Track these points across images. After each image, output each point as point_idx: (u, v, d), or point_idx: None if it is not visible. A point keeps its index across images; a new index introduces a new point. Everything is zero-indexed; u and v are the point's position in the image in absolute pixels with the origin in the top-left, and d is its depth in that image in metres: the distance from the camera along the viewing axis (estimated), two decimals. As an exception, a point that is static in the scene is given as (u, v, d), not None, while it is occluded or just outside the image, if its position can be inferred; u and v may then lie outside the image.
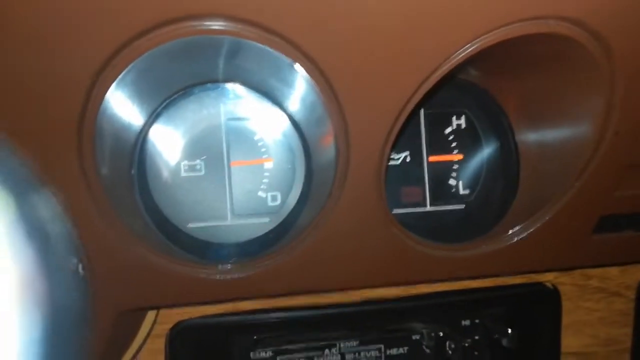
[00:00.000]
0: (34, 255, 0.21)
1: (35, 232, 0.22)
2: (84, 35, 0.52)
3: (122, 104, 0.62)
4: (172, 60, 0.61)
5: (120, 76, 0.55)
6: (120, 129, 0.65)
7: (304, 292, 0.75)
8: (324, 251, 0.68)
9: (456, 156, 0.82)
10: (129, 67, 0.54)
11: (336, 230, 0.67)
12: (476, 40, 0.57)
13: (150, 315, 0.75)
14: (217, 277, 0.67)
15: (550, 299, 0.87)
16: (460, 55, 0.58)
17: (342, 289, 0.77)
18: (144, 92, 0.65)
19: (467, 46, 0.57)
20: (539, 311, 0.88)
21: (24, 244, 0.21)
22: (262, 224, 0.76)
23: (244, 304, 0.77)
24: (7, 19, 0.50)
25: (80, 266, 0.63)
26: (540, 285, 0.86)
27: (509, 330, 0.83)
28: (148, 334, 0.76)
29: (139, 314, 0.74)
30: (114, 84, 0.55)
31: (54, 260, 0.22)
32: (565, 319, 0.88)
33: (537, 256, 0.76)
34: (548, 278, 0.86)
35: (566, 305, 0.88)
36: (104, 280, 0.63)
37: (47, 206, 0.24)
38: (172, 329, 0.76)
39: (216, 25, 0.54)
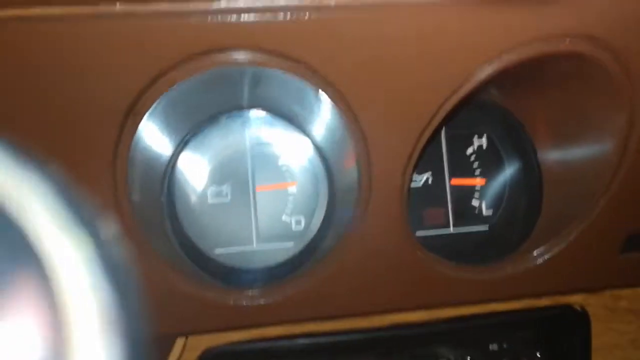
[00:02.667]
0: (110, 291, 0.22)
1: (109, 268, 0.23)
2: (119, 69, 0.54)
3: (153, 134, 0.64)
4: (200, 90, 0.63)
5: (153, 106, 0.57)
6: (152, 157, 0.67)
7: (329, 317, 0.75)
8: (348, 275, 0.68)
9: (479, 180, 0.82)
10: (161, 97, 0.57)
11: (359, 253, 0.68)
12: (494, 61, 0.58)
13: (180, 342, 0.76)
14: (244, 303, 0.68)
15: (580, 321, 0.85)
16: (480, 76, 0.59)
17: (367, 314, 0.77)
18: (173, 121, 0.67)
19: (485, 67, 0.59)
20: (568, 334, 0.86)
21: (102, 279, 0.22)
22: (287, 249, 0.77)
23: (271, 329, 0.77)
24: (48, 49, 0.53)
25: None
26: (568, 307, 0.85)
27: (538, 354, 0.82)
28: (176, 361, 0.76)
29: (167, 340, 0.75)
30: (147, 114, 0.57)
31: (122, 294, 0.23)
32: (595, 342, 0.86)
33: (564, 277, 0.75)
34: (576, 300, 0.84)
35: (596, 327, 0.86)
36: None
37: (112, 238, 0.25)
38: (200, 356, 0.76)
39: (243, 56, 0.57)
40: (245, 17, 0.54)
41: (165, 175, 0.73)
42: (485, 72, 0.59)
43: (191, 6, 0.52)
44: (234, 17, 0.53)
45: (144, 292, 0.63)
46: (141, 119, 0.57)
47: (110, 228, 0.24)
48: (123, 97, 0.56)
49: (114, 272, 0.22)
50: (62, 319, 0.20)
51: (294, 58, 0.57)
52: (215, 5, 0.53)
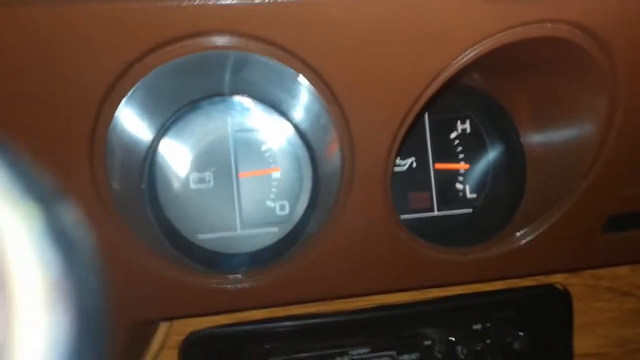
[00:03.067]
0: (60, 265, 0.22)
1: (60, 242, 0.22)
2: (94, 53, 0.53)
3: (131, 120, 0.63)
4: (179, 75, 0.62)
5: (129, 92, 0.56)
6: (130, 143, 0.66)
7: (314, 299, 0.76)
8: (333, 258, 0.69)
9: (462, 165, 0.83)
10: (138, 83, 0.56)
11: (344, 237, 0.68)
12: (477, 46, 0.58)
13: (164, 326, 0.76)
14: (228, 287, 0.68)
15: (561, 300, 0.87)
16: (462, 61, 0.58)
17: (352, 296, 0.78)
18: (152, 107, 0.66)
19: (468, 51, 0.58)
20: (550, 313, 0.88)
21: (50, 253, 0.22)
22: (271, 234, 0.77)
23: (256, 313, 0.77)
24: (23, 34, 0.51)
25: (97, 280, 0.64)
26: (550, 287, 0.86)
27: (521, 334, 0.83)
28: (161, 346, 0.76)
29: (151, 325, 0.75)
30: (123, 100, 0.56)
31: (77, 272, 0.23)
32: (577, 320, 0.88)
33: (546, 258, 0.76)
34: (558, 279, 0.86)
35: (577, 306, 0.87)
36: (116, 293, 0.64)
37: (70, 217, 0.24)
38: (184, 340, 0.77)
39: (222, 40, 0.55)
40: (224, 1, 0.52)
41: (146, 161, 0.72)
42: (468, 56, 0.58)
43: (167, -12, 0.51)
44: (211, 1, 0.52)
45: (127, 278, 0.63)
46: (118, 104, 0.56)
47: (67, 206, 0.23)
48: (99, 82, 0.55)
49: (68, 248, 0.22)
50: (7, 293, 0.20)
51: (274, 42, 0.56)
52: (191, -12, 0.51)
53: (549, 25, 0.58)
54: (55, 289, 0.21)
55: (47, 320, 0.21)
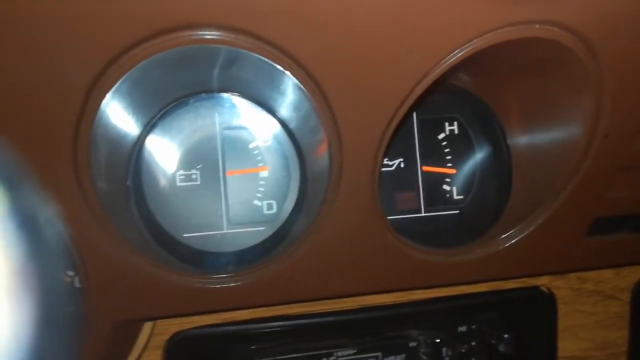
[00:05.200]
0: (25, 253, 0.21)
1: (28, 230, 0.22)
2: (80, 44, 0.52)
3: (117, 114, 0.62)
4: (167, 70, 0.61)
5: (115, 86, 0.55)
6: (116, 139, 0.65)
7: (300, 300, 0.75)
8: (320, 258, 0.68)
9: (449, 170, 0.83)
10: (124, 76, 0.55)
11: (331, 237, 0.68)
12: (464, 46, 0.58)
13: (147, 326, 0.75)
14: (213, 286, 0.67)
15: (546, 303, 0.87)
16: (450, 61, 0.59)
17: (338, 296, 0.77)
18: (139, 102, 0.66)
19: (456, 52, 0.58)
20: (535, 315, 0.88)
21: (16, 238, 0.21)
22: (258, 233, 0.76)
23: (241, 313, 0.77)
24: (5, 26, 0.51)
25: (76, 279, 0.63)
26: (535, 289, 0.87)
27: (505, 336, 0.83)
28: (145, 346, 0.75)
29: (135, 325, 0.74)
30: (109, 94, 0.56)
31: (46, 264, 0.22)
32: (562, 323, 0.88)
33: (532, 260, 0.76)
34: (543, 282, 0.86)
35: (562, 309, 0.88)
36: (99, 291, 0.63)
37: (42, 208, 0.24)
38: (168, 340, 0.76)
39: (209, 34, 0.55)
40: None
41: (132, 158, 0.71)
42: (456, 56, 0.59)
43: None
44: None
45: (110, 276, 0.61)
46: (104, 96, 0.55)
47: (34, 189, 0.23)
48: (86, 72, 0.54)
49: (34, 232, 0.21)
50: None
51: (263, 38, 0.56)
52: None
53: (537, 26, 0.58)
54: (19, 275, 0.20)
55: (8, 308, 0.20)
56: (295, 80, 0.60)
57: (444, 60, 0.59)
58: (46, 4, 0.50)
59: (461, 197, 0.84)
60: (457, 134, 0.83)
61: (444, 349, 0.85)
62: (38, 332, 0.20)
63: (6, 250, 0.20)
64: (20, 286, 0.20)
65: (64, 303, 0.24)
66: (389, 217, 0.80)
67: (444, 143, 0.83)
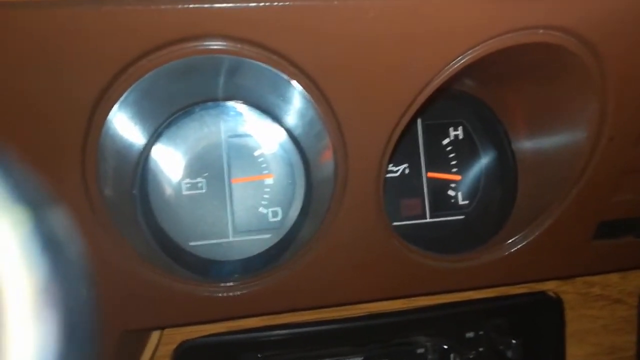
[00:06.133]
0: (48, 270, 0.22)
1: (49, 247, 0.22)
2: (86, 58, 0.53)
3: (124, 125, 0.63)
4: (173, 80, 0.62)
5: (122, 97, 0.56)
6: (123, 149, 0.66)
7: (306, 307, 0.75)
8: (326, 265, 0.68)
9: (454, 176, 0.83)
10: (131, 87, 0.55)
11: (337, 244, 0.68)
12: (469, 52, 0.58)
13: (155, 336, 0.75)
14: (220, 294, 0.67)
15: (553, 308, 0.87)
16: (454, 67, 0.59)
17: (344, 303, 0.77)
18: (145, 112, 0.66)
19: (460, 58, 0.59)
20: (542, 321, 0.88)
21: (39, 258, 0.21)
22: (264, 240, 0.76)
23: (248, 321, 0.76)
24: (14, 38, 0.51)
25: (86, 287, 0.63)
26: (543, 294, 0.86)
27: (513, 341, 0.83)
28: (152, 355, 0.75)
29: (142, 334, 0.74)
30: (116, 105, 0.56)
31: (65, 277, 0.23)
32: (569, 328, 0.88)
33: (538, 264, 0.76)
34: (550, 287, 0.86)
35: (569, 314, 0.87)
36: (107, 301, 0.63)
37: (59, 224, 0.24)
38: (176, 349, 0.76)
39: (215, 44, 0.55)
40: (218, 4, 0.52)
41: (138, 167, 0.71)
42: (459, 63, 0.59)
43: (162, -8, 0.51)
44: (206, 4, 0.52)
45: (117, 286, 0.62)
46: (111, 108, 0.56)
47: (56, 211, 0.23)
48: (93, 85, 0.54)
49: (56, 253, 0.22)
50: None
51: (268, 47, 0.56)
52: (186, -8, 0.51)
53: (541, 31, 0.59)
54: (43, 295, 0.21)
55: (34, 326, 0.20)
56: (301, 88, 0.60)
57: (447, 67, 0.59)
58: (52, 19, 0.51)
59: (466, 202, 0.84)
60: (462, 139, 0.83)
61: (451, 355, 0.85)
62: (62, 348, 0.21)
63: (31, 269, 0.21)
64: (45, 304, 0.21)
65: (83, 317, 0.24)
66: (394, 223, 0.80)
67: (449, 148, 0.83)
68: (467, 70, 0.60)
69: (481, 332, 0.86)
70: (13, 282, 0.20)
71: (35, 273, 0.21)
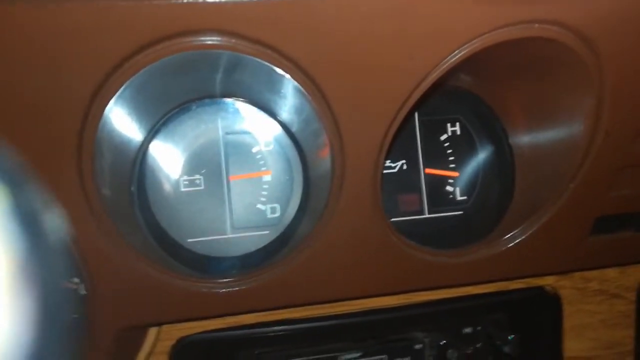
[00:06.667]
0: (26, 253, 0.21)
1: (29, 229, 0.22)
2: (81, 53, 0.53)
3: (121, 121, 0.63)
4: (170, 76, 0.62)
5: (118, 92, 0.56)
6: (120, 145, 0.66)
7: (304, 303, 0.75)
8: (324, 261, 0.68)
9: (452, 173, 0.83)
10: (127, 83, 0.55)
11: (335, 240, 0.68)
12: (464, 46, 0.58)
13: (152, 332, 0.75)
14: (218, 291, 0.67)
15: (551, 303, 0.87)
16: (450, 62, 0.59)
17: (342, 299, 0.77)
18: (142, 108, 0.66)
19: (455, 52, 0.59)
20: (540, 316, 0.88)
21: (17, 236, 0.21)
22: (262, 236, 0.76)
23: (246, 317, 0.77)
24: (9, 33, 0.51)
25: (82, 286, 0.63)
26: (540, 289, 0.86)
27: (511, 337, 0.83)
28: (150, 352, 0.75)
29: (141, 331, 0.74)
30: (112, 100, 0.56)
31: (48, 266, 0.22)
32: (567, 323, 0.88)
33: (536, 260, 0.76)
34: (548, 282, 0.86)
35: (567, 309, 0.88)
36: (105, 298, 0.63)
37: (44, 208, 0.24)
38: (174, 345, 0.76)
39: (210, 40, 0.55)
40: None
41: (136, 164, 0.71)
42: (454, 58, 0.59)
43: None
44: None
45: (115, 282, 0.62)
46: (107, 103, 0.56)
47: (37, 188, 0.23)
48: (89, 79, 0.54)
49: (36, 231, 0.21)
50: None
51: (263, 42, 0.56)
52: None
53: (537, 25, 0.59)
54: (21, 273, 0.21)
55: (10, 306, 0.20)
56: (296, 83, 0.60)
57: (443, 62, 0.59)
58: (47, 14, 0.51)
59: (464, 198, 0.84)
60: (459, 135, 0.83)
61: (449, 351, 0.85)
62: (38, 334, 0.20)
63: (6, 247, 0.20)
64: (21, 285, 0.20)
65: (67, 308, 0.23)
66: (392, 219, 0.80)
67: (447, 144, 0.83)
68: (463, 66, 0.60)
69: (479, 328, 0.86)
70: None
71: (11, 250, 0.21)
